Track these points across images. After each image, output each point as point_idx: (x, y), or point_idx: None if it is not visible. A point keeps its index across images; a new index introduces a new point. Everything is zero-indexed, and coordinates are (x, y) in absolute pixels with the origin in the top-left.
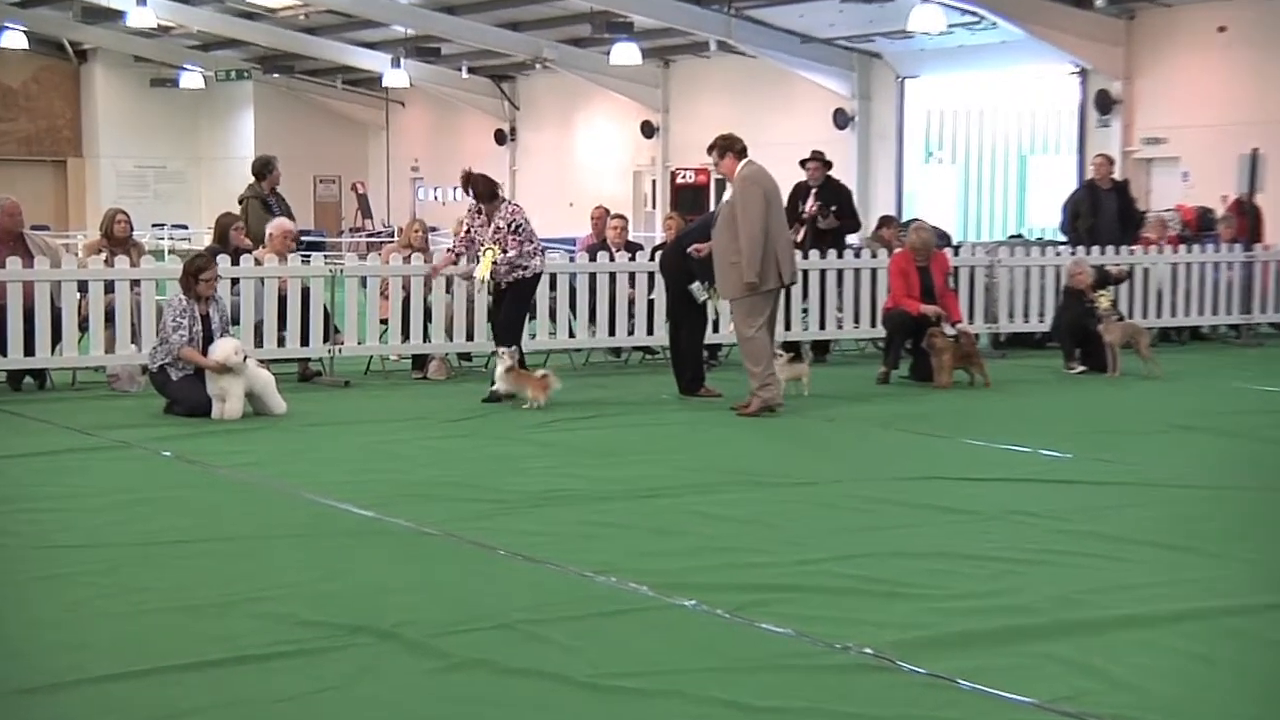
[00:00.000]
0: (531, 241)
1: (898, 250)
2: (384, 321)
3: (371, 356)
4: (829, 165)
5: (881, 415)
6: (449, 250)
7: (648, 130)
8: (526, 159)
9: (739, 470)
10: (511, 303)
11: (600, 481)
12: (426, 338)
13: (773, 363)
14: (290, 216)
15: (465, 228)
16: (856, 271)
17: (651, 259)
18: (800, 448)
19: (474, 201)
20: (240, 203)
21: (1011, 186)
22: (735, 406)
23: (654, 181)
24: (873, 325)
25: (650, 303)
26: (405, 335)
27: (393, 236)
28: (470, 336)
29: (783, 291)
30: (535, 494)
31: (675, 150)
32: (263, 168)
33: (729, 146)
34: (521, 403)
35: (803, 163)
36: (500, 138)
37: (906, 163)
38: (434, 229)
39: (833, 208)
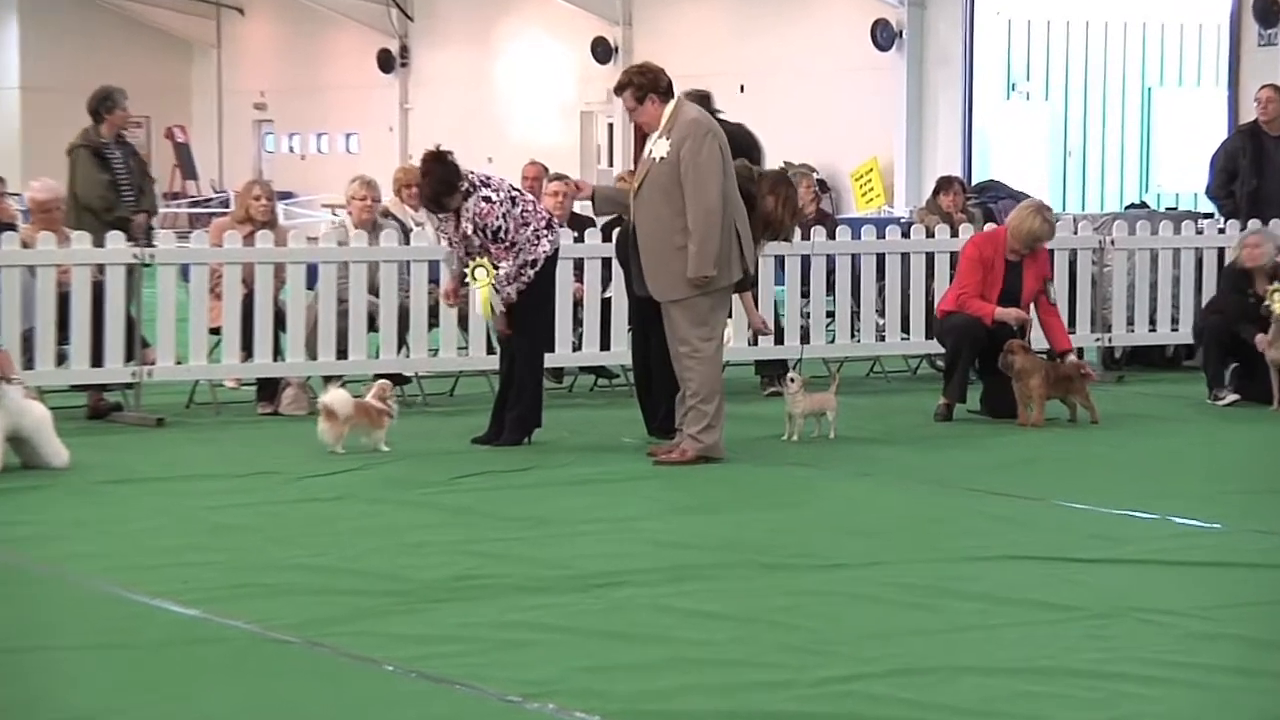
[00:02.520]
0: (527, 225)
1: (983, 230)
2: (215, 331)
3: (197, 382)
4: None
5: (941, 467)
6: (453, 270)
7: (602, 52)
8: (425, 93)
9: (735, 546)
10: (529, 310)
11: (534, 563)
12: (279, 355)
13: (724, 400)
14: (145, 173)
15: (448, 240)
16: (904, 258)
17: (606, 239)
18: (824, 515)
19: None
20: (68, 154)
21: (1131, 133)
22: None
23: (610, 126)
24: (928, 336)
25: (605, 303)
26: (247, 352)
27: (227, 206)
28: (343, 353)
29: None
30: (439, 582)
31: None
32: (101, 103)
33: (650, 85)
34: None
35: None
36: (386, 62)
37: (978, 99)
38: (288, 196)
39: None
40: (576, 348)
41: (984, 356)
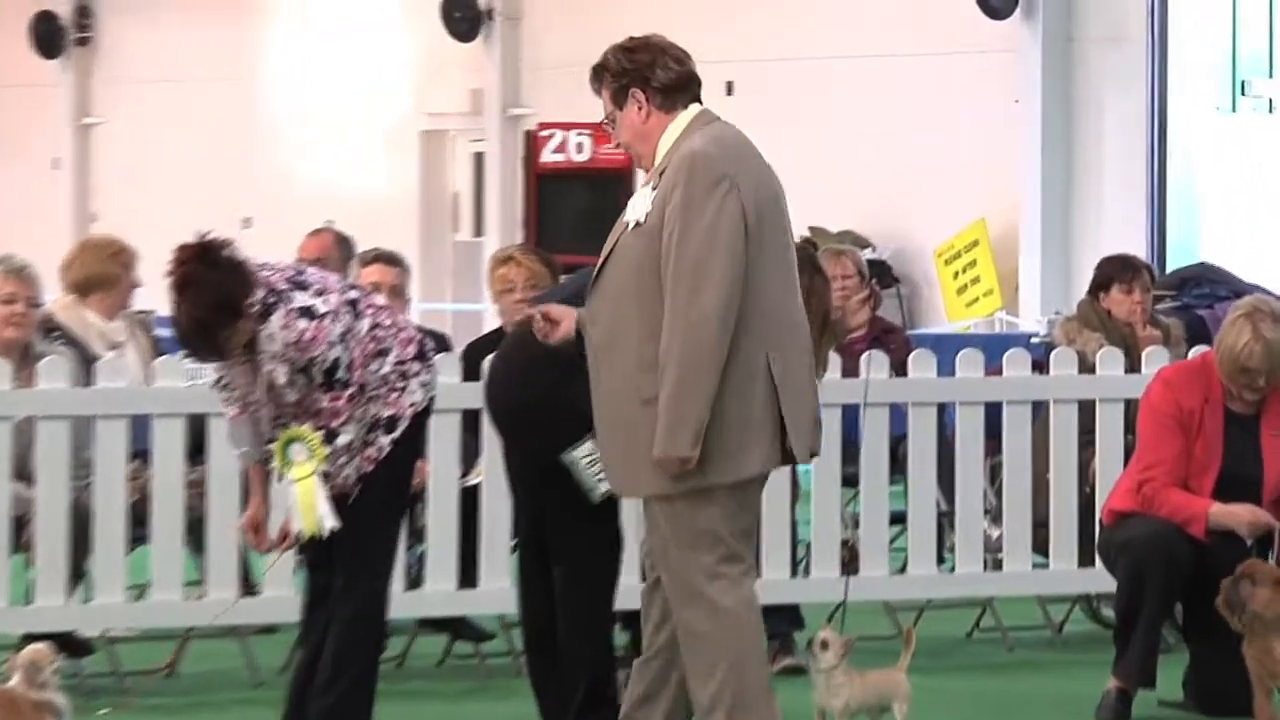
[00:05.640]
0: (383, 353)
1: (1170, 365)
2: None
3: None
4: None
5: None
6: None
7: (463, 19)
8: (121, 98)
9: None
10: (371, 512)
11: None
12: None
13: (773, 705)
14: None
15: (236, 399)
16: (1038, 411)
17: (471, 374)
18: None
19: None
20: None
21: None
22: None
23: (478, 157)
24: (1085, 561)
25: (469, 494)
26: None
27: None
28: None
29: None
30: None
31: (541, 74)
32: None
33: (636, 75)
34: None
35: None
36: (50, 40)
37: (1175, 111)
38: None
39: None
40: (414, 584)
41: (1191, 597)
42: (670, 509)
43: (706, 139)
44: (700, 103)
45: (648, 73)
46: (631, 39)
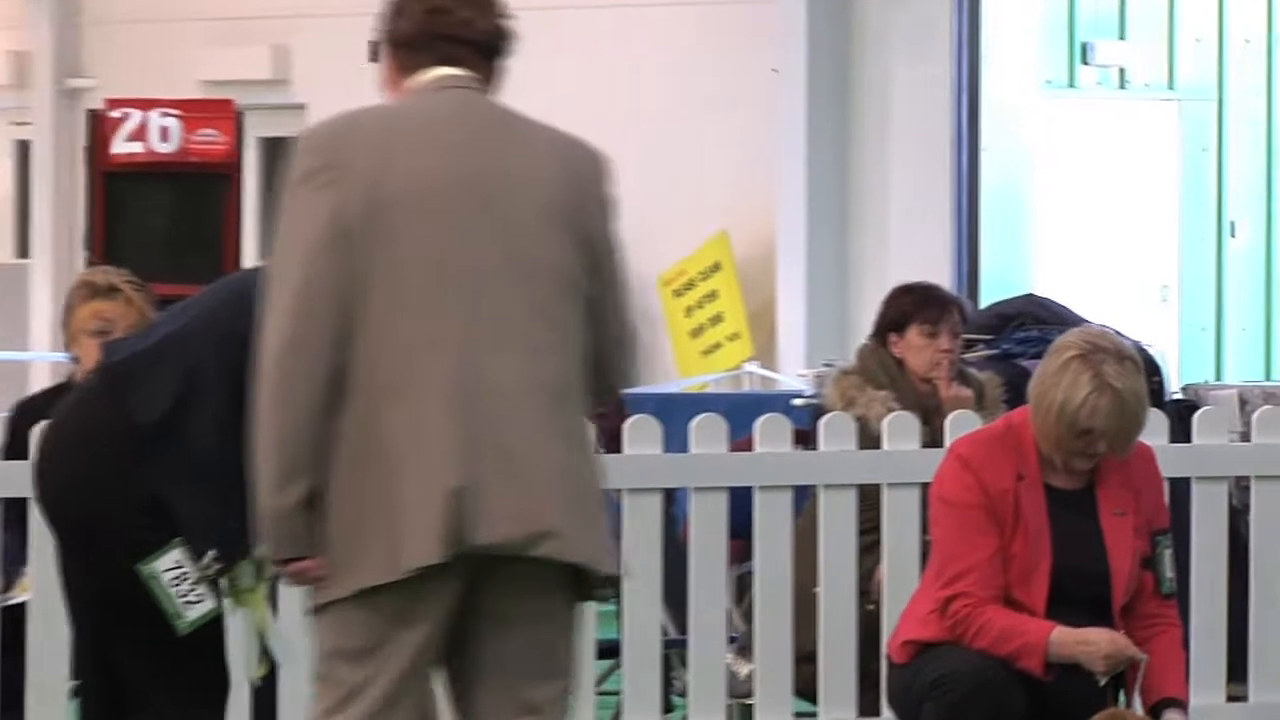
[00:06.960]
0: None
1: (963, 436)
2: None
3: None
4: None
5: None
6: None
7: None
8: None
9: None
10: None
11: None
12: None
13: None
14: None
15: None
16: (801, 498)
17: (14, 454)
18: None
19: None
20: None
21: None
22: None
23: (22, 146)
24: (865, 707)
25: (11, 617)
26: None
27: None
28: None
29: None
30: None
31: (111, 31)
32: None
33: (387, 27)
34: None
35: None
36: None
37: (991, 85)
38: None
39: None
40: None
41: None
42: (319, 631)
43: (343, 114)
44: (462, 65)
45: (392, 23)
46: None
